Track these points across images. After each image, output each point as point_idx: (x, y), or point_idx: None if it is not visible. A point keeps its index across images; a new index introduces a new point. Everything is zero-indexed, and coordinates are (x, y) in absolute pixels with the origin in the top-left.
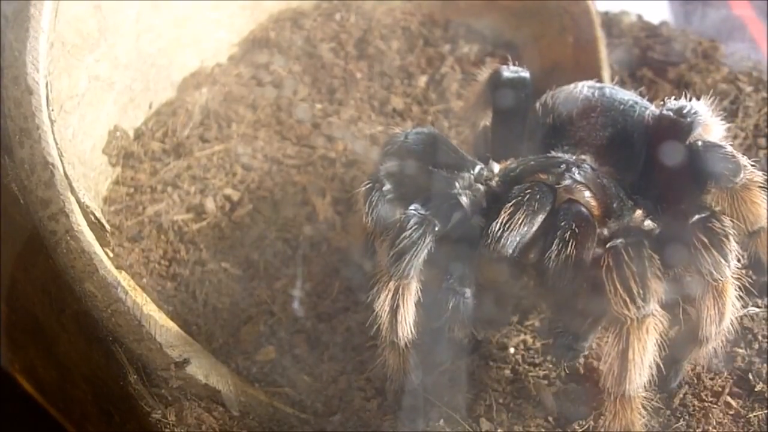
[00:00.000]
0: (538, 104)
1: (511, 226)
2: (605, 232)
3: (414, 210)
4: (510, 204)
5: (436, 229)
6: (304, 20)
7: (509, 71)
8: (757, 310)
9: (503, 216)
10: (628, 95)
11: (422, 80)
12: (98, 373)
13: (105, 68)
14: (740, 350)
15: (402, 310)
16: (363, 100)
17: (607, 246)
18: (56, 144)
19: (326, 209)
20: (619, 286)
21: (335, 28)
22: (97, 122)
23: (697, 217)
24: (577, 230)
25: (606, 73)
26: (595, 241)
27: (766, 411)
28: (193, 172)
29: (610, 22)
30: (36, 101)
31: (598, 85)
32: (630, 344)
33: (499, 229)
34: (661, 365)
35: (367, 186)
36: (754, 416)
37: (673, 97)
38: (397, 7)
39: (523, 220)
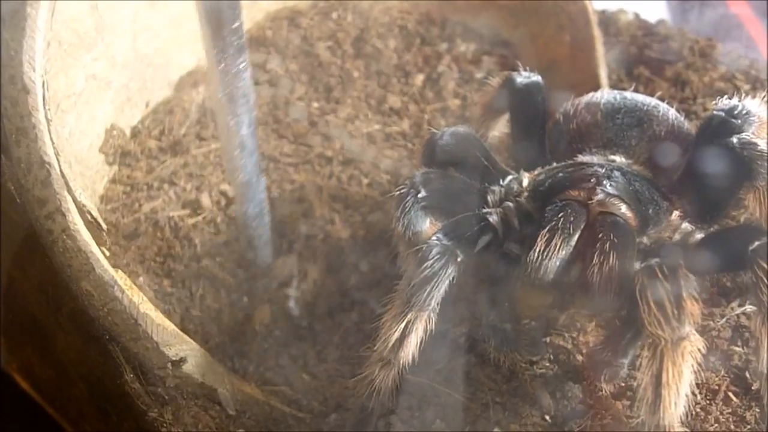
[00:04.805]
0: (558, 114)
1: (549, 253)
2: (644, 240)
3: (437, 239)
4: (545, 230)
5: (459, 260)
6: (301, 19)
7: (522, 77)
8: (754, 308)
9: (540, 244)
10: (648, 97)
11: (419, 79)
12: (95, 371)
13: (102, 67)
14: (737, 348)
15: (411, 337)
16: (360, 99)
17: (642, 265)
18: (53, 143)
19: (323, 207)
20: (652, 305)
21: (332, 26)
22: (93, 121)
23: (757, 243)
24: (616, 240)
25: (603, 72)
26: (636, 250)
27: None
28: (190, 169)
29: (607, 20)
30: (32, 100)
31: (617, 91)
32: (664, 367)
33: (538, 257)
34: None
35: (402, 190)
36: (751, 414)
37: (726, 96)
38: (394, 6)
39: (560, 245)
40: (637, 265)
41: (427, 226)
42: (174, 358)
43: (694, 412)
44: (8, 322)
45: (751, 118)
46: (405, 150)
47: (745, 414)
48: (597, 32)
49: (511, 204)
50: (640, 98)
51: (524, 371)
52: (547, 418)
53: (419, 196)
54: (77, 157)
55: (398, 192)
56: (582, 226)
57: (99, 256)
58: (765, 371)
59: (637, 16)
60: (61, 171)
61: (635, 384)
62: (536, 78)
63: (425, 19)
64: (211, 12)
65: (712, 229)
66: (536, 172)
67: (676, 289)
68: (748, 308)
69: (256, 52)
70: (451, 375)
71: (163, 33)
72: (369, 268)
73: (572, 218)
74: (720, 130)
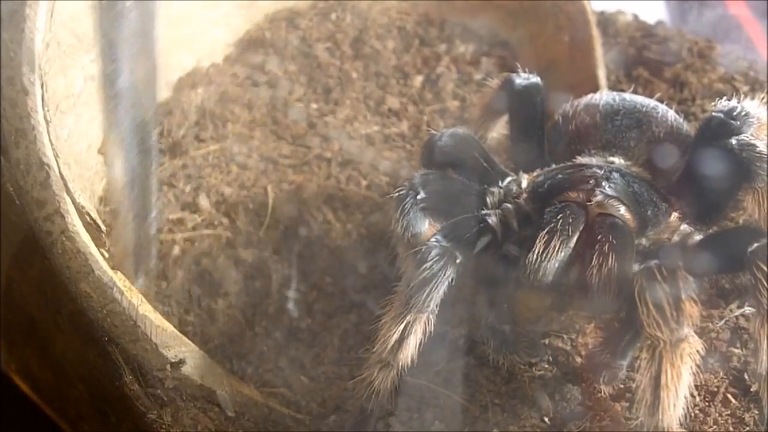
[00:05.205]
0: (557, 116)
1: (548, 255)
2: (643, 241)
3: (436, 241)
4: (544, 232)
5: (458, 261)
6: (300, 20)
7: (521, 78)
8: (753, 310)
9: (539, 246)
10: (647, 99)
11: (418, 80)
12: (94, 373)
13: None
14: (736, 350)
15: (410, 339)
16: (359, 100)
17: (641, 267)
18: (52, 144)
19: (321, 208)
20: (651, 307)
21: (331, 27)
22: (92, 122)
23: (756, 245)
24: (615, 242)
25: (601, 73)
26: (635, 252)
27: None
28: (188, 171)
29: (605, 21)
30: (31, 102)
31: (615, 92)
32: (663, 369)
33: (536, 259)
34: None
35: (401, 192)
36: (750, 416)
37: (725, 98)
38: (392, 7)
39: (559, 247)
40: (635, 267)
41: (426, 227)
42: (173, 360)
43: (692, 414)
44: (7, 323)
45: (750, 120)
46: (404, 151)
47: (744, 416)
48: (596, 33)
49: (510, 205)
50: (639, 99)
51: (523, 373)
52: (546, 419)
53: (418, 197)
54: (76, 159)
55: (397, 193)
56: (581, 228)
57: (98, 257)
58: (764, 373)
59: (635, 17)
60: (60, 172)
61: (634, 386)
62: (535, 79)
63: (424, 20)
64: None
65: (711, 230)
66: (535, 174)
67: (675, 291)
68: (747, 310)
69: (254, 53)
70: (450, 376)
71: (162, 33)
72: (368, 270)
73: (571, 220)
74: (719, 131)
